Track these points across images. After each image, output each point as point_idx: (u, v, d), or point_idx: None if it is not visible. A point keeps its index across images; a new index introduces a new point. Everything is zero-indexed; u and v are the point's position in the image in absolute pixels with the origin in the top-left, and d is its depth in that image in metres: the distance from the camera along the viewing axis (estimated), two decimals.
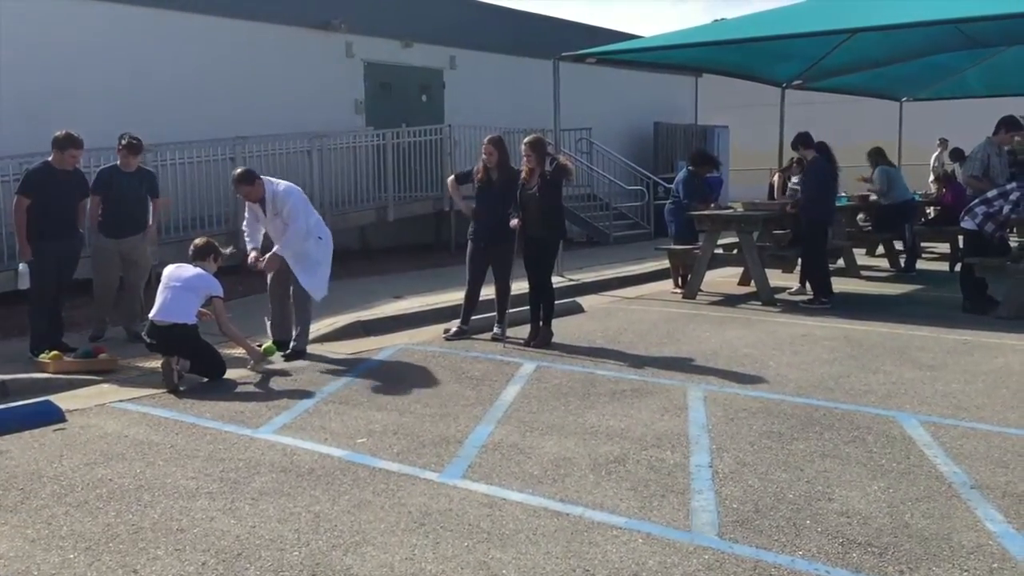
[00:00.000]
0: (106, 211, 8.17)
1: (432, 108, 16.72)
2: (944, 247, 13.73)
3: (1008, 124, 10.95)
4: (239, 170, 7.86)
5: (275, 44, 14.21)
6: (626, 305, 10.50)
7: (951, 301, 9.81)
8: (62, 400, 6.34)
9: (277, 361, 7.59)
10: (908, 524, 4.11)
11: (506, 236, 8.18)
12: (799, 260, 10.75)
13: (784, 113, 15.14)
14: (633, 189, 17.78)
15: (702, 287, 10.94)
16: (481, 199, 8.44)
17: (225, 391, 6.77)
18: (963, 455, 5.03)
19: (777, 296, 10.48)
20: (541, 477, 4.78)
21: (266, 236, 7.95)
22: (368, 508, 4.39)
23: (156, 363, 6.99)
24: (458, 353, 7.88)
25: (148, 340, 6.98)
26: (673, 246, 11.35)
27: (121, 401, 6.46)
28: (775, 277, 11.02)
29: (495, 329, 8.47)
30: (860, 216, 14.23)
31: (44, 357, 7.17)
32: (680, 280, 11.36)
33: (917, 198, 13.84)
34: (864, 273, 12.44)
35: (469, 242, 8.57)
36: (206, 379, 6.99)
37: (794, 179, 11.61)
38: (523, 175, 8.17)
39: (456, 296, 9.22)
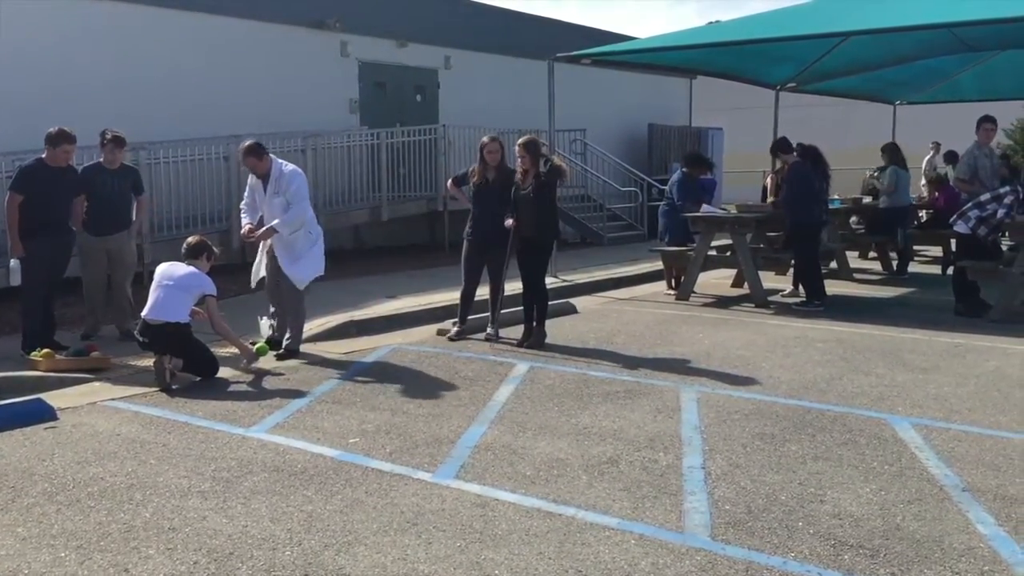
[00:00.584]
0: (91, 209, 8.13)
1: (427, 108, 16.71)
2: (936, 250, 13.77)
3: (982, 122, 10.98)
4: (249, 142, 7.82)
5: (270, 43, 14.18)
6: (620, 306, 10.51)
7: (943, 304, 9.84)
8: (54, 398, 6.31)
9: (270, 360, 7.57)
10: (900, 526, 4.12)
11: (502, 237, 8.18)
12: (792, 262, 10.78)
13: (778, 115, 15.18)
14: (627, 190, 17.79)
15: (695, 289, 10.95)
16: (478, 200, 8.42)
17: (218, 390, 6.75)
18: (955, 458, 5.05)
19: (770, 298, 10.50)
20: (534, 478, 4.78)
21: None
22: (361, 508, 4.38)
23: (148, 362, 6.97)
24: (451, 353, 7.88)
25: (140, 339, 6.96)
26: (667, 247, 11.37)
27: (113, 400, 6.44)
28: (768, 279, 11.04)
29: (488, 329, 8.47)
30: (853, 219, 14.27)
31: (36, 355, 7.14)
32: (673, 281, 11.38)
33: (912, 201, 13.89)
34: (857, 276, 12.48)
35: (465, 241, 8.56)
36: (199, 378, 6.97)
37: None
38: (518, 175, 8.18)
39: (449, 296, 9.22)
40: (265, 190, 7.75)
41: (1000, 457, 5.06)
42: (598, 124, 18.36)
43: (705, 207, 11.09)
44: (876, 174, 13.25)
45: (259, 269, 8.07)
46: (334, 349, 8.09)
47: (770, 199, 11.98)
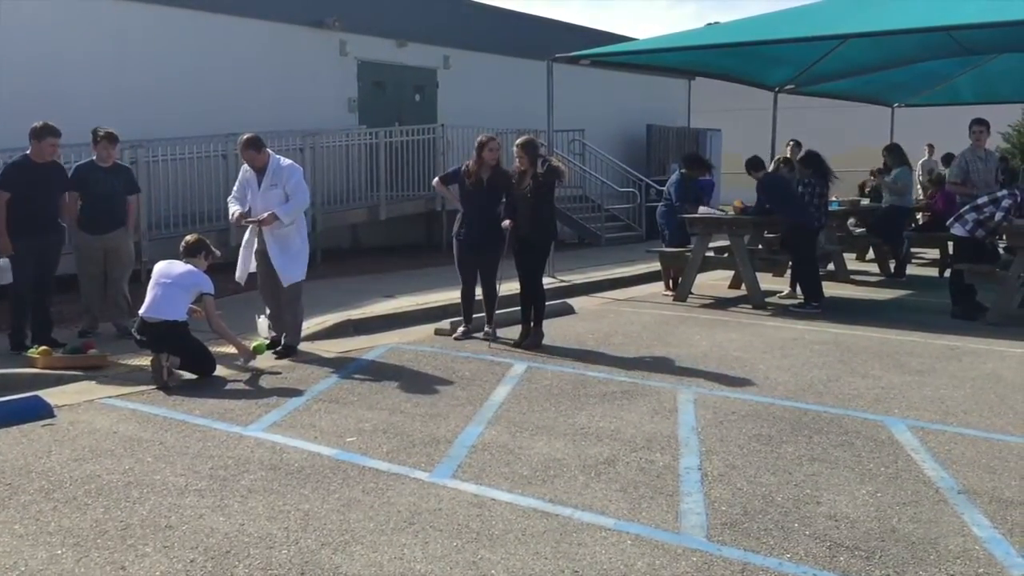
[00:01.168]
0: (85, 207, 8.11)
1: (425, 108, 16.72)
2: (934, 253, 13.79)
3: (972, 125, 11.02)
4: (248, 134, 7.78)
5: (269, 41, 14.19)
6: (617, 307, 10.52)
7: (940, 306, 9.85)
8: (51, 396, 6.30)
9: (267, 359, 7.57)
10: (895, 528, 4.13)
11: (495, 238, 8.13)
12: (790, 264, 10.79)
13: (776, 117, 15.19)
14: (625, 191, 17.80)
15: (693, 290, 10.96)
16: (468, 199, 8.33)
17: (215, 388, 6.75)
18: (950, 460, 5.06)
19: (768, 300, 10.51)
20: (531, 478, 4.78)
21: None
22: (357, 507, 4.39)
23: (146, 360, 6.96)
24: (449, 353, 7.88)
25: (138, 337, 6.95)
26: (664, 248, 11.37)
27: (110, 397, 6.44)
28: (766, 281, 11.06)
29: (485, 330, 8.46)
30: (851, 221, 14.28)
31: (33, 352, 7.13)
32: (671, 282, 11.39)
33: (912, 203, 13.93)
34: (854, 278, 12.49)
35: (455, 242, 8.48)
36: (196, 376, 6.97)
37: None
38: (515, 174, 8.17)
39: (446, 296, 9.23)
40: (260, 184, 7.72)
41: (996, 460, 5.07)
42: (597, 125, 18.37)
43: (703, 208, 11.10)
44: (883, 175, 13.23)
45: (246, 264, 7.95)
46: (331, 348, 8.09)
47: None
